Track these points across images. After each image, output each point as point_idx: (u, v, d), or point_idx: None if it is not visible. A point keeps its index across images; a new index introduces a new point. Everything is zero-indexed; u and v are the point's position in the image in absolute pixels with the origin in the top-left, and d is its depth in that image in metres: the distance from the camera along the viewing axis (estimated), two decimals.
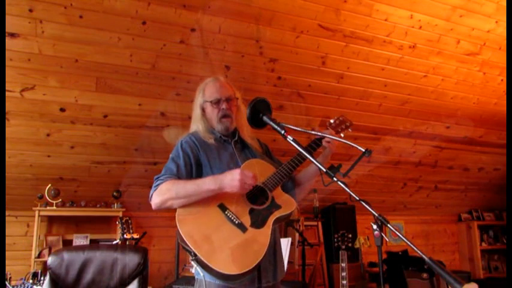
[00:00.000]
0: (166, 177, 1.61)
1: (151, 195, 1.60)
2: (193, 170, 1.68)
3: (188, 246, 1.47)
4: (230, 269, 1.44)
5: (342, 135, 1.82)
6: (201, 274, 1.48)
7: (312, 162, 1.50)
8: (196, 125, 1.81)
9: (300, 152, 1.54)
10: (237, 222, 1.54)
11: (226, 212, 1.56)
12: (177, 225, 1.52)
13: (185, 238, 1.48)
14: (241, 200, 1.60)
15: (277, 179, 1.67)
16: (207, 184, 1.55)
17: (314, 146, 1.75)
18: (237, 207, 1.58)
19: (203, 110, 1.82)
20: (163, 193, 1.56)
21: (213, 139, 1.76)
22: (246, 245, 1.51)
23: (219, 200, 1.58)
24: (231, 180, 1.52)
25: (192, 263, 1.52)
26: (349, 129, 1.86)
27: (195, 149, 1.71)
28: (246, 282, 1.53)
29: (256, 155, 1.81)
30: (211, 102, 1.78)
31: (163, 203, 1.57)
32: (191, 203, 1.55)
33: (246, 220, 1.56)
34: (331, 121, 1.85)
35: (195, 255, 1.46)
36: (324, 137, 1.73)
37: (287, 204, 1.65)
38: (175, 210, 1.57)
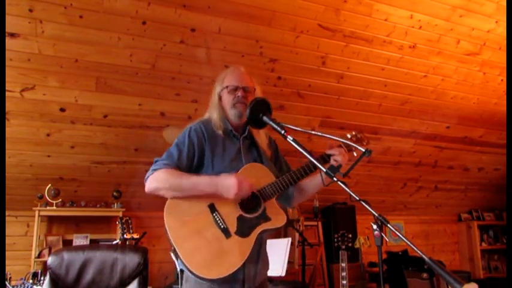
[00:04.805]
0: (165, 164, 1.60)
1: (148, 177, 1.61)
2: (195, 159, 1.67)
3: (170, 239, 1.50)
4: (204, 272, 1.47)
5: (355, 154, 1.68)
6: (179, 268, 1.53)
7: (312, 162, 1.49)
8: (211, 113, 1.77)
9: (301, 151, 1.53)
10: (222, 226, 1.54)
11: (214, 214, 1.56)
12: (164, 215, 1.53)
13: (168, 231, 1.51)
14: (232, 204, 1.59)
15: (274, 190, 1.63)
16: (202, 185, 1.56)
17: (321, 161, 1.66)
18: (226, 211, 1.58)
19: (220, 97, 1.78)
20: (159, 181, 1.57)
21: (222, 130, 1.72)
22: (226, 251, 1.51)
23: (210, 199, 1.57)
24: (226, 186, 1.52)
25: (172, 254, 1.55)
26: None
27: (201, 138, 1.68)
28: (228, 285, 1.54)
29: (262, 156, 1.77)
30: (227, 88, 1.75)
31: (156, 190, 1.58)
32: (183, 197, 1.57)
33: (232, 226, 1.56)
34: (348, 136, 1.74)
35: (175, 250, 1.50)
36: (332, 154, 1.65)
37: (277, 219, 1.62)
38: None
